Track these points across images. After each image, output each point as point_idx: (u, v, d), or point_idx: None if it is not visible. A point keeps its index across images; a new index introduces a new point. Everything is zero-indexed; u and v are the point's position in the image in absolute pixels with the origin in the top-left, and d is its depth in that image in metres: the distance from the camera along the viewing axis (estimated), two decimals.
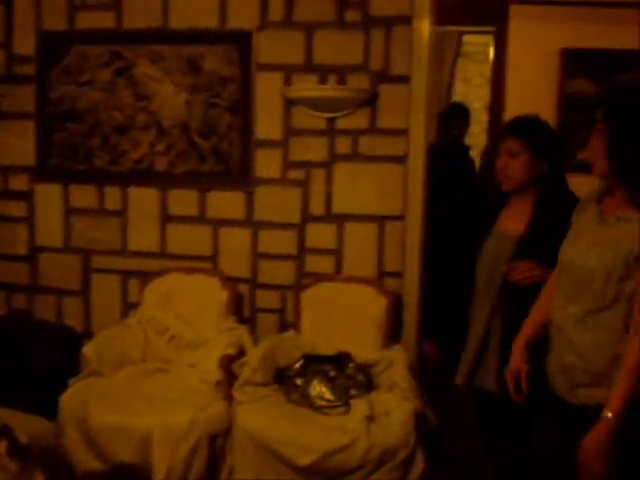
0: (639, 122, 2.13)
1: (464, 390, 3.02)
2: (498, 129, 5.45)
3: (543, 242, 2.72)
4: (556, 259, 2.48)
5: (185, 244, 4.16)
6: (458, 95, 8.18)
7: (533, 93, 5.37)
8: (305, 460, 3.11)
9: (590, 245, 2.24)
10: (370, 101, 3.87)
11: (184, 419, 3.28)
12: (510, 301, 2.81)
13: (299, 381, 3.50)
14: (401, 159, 3.90)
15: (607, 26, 5.16)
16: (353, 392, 3.48)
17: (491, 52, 6.29)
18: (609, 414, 2.08)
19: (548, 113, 4.92)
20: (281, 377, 3.57)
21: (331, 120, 3.93)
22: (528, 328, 2.54)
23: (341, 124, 3.93)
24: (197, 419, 3.29)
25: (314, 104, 3.88)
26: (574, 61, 5.27)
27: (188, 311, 3.94)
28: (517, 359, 2.51)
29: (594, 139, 2.22)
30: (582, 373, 2.24)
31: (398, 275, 3.99)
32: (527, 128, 2.82)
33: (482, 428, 3.12)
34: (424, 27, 3.79)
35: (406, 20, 3.79)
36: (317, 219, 4.03)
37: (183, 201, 4.14)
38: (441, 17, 3.96)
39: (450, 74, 7.46)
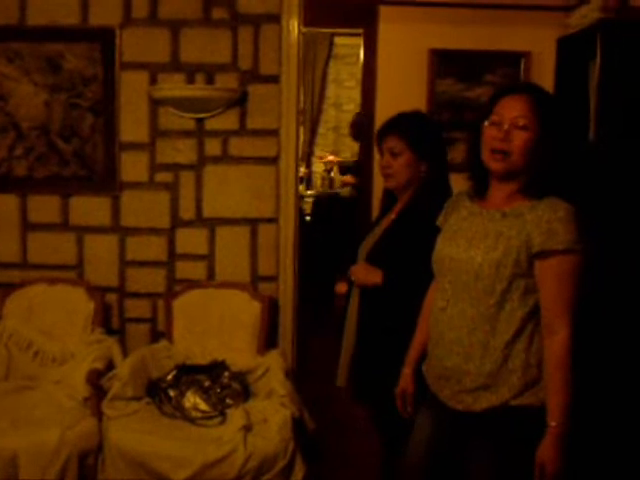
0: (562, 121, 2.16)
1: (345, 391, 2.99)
2: (369, 129, 5.48)
3: (396, 242, 2.73)
4: (406, 263, 2.51)
5: (48, 253, 3.92)
6: (330, 97, 8.24)
7: (403, 93, 5.42)
8: (181, 475, 3.00)
9: (472, 241, 2.18)
10: (240, 101, 3.78)
11: (52, 438, 3.08)
12: (362, 299, 2.83)
13: (172, 393, 3.37)
14: (273, 160, 3.83)
15: (474, 27, 5.27)
16: (229, 401, 3.38)
17: (362, 54, 6.34)
18: (553, 423, 2.04)
19: None
20: (153, 390, 3.42)
21: (200, 121, 3.81)
22: (414, 351, 2.47)
23: (210, 125, 3.82)
24: (66, 437, 3.10)
25: (181, 104, 3.75)
26: (443, 61, 5.36)
27: (53, 324, 3.71)
28: (404, 381, 2.48)
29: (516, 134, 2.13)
30: (468, 376, 2.16)
31: (272, 279, 3.91)
32: (408, 126, 2.78)
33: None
34: (293, 26, 3.74)
35: (275, 19, 3.73)
36: (187, 223, 3.90)
37: (44, 207, 3.91)
38: (312, 18, 3.94)
39: (322, 76, 7.50)
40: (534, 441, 2.08)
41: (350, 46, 8.15)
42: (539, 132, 2.11)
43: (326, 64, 7.74)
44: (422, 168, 2.77)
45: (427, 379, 2.35)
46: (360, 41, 6.45)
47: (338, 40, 7.58)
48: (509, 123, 2.11)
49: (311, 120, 8.18)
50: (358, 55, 8.23)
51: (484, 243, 2.14)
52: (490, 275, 2.11)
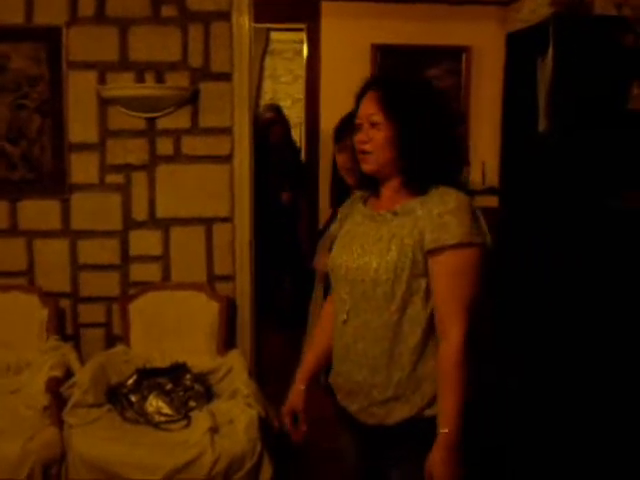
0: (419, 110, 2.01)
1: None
2: (315, 125, 5.49)
3: None
4: None
5: None
6: (267, 93, 8.19)
7: (347, 89, 5.40)
8: None
9: (365, 247, 2.04)
10: (191, 99, 3.73)
11: (13, 450, 3.00)
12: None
13: (134, 398, 3.32)
14: (226, 159, 3.79)
15: (417, 22, 5.32)
16: (192, 404, 3.34)
17: (301, 49, 6.33)
18: (445, 430, 1.90)
19: None
20: (114, 395, 3.36)
21: (151, 120, 3.74)
22: (309, 365, 2.30)
23: (162, 124, 3.76)
24: (28, 449, 3.02)
25: (132, 104, 3.68)
26: (386, 57, 5.40)
27: (5, 333, 3.60)
28: (296, 398, 2.27)
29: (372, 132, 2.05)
30: (376, 388, 2.03)
31: (229, 278, 3.88)
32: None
33: None
34: (244, 23, 3.71)
35: (225, 16, 3.69)
36: (140, 225, 3.83)
37: None
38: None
39: (259, 72, 7.43)
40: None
41: (287, 41, 8.12)
42: (395, 125, 2.00)
43: (262, 59, 7.67)
44: None
45: (337, 395, 2.20)
46: (297, 36, 6.46)
47: (274, 35, 7.52)
48: (366, 122, 2.05)
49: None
50: (295, 50, 8.24)
51: (377, 247, 2.01)
52: (388, 280, 1.97)
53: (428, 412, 1.99)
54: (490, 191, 5.21)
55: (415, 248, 1.95)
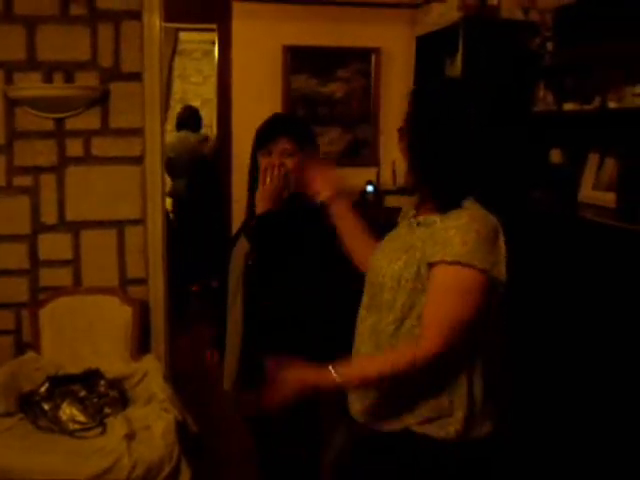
0: (435, 121, 1.95)
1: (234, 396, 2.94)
2: (227, 125, 5.47)
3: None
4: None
5: None
6: (177, 93, 8.13)
7: (259, 89, 5.45)
8: None
9: (387, 251, 2.05)
10: (101, 100, 3.66)
11: None
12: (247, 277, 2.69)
13: (47, 406, 3.22)
14: (137, 160, 3.74)
15: (327, 24, 5.37)
16: (107, 410, 3.27)
17: (210, 49, 6.31)
18: (338, 378, 1.89)
19: (274, 108, 5.03)
20: (26, 404, 3.25)
21: (59, 121, 3.65)
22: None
23: (71, 125, 3.67)
24: None
25: (40, 104, 3.59)
26: (296, 58, 5.42)
27: None
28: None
29: (399, 141, 2.03)
30: (375, 395, 2.01)
31: (142, 281, 3.82)
32: (298, 128, 2.73)
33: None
34: (154, 23, 3.66)
35: (136, 15, 3.63)
36: (50, 228, 3.72)
37: None
38: None
39: (168, 71, 7.38)
40: (434, 474, 1.96)
41: (196, 42, 8.08)
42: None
43: (172, 60, 7.61)
44: None
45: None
46: (206, 36, 6.44)
47: (183, 36, 7.48)
48: None
49: None
50: (204, 50, 8.20)
51: (394, 253, 2.00)
52: (392, 288, 1.95)
53: (417, 429, 1.97)
54: (401, 191, 5.29)
55: (421, 261, 1.92)
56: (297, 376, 1.96)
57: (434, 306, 1.87)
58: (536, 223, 3.61)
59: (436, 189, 1.98)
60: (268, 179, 2.56)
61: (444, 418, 1.94)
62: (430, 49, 3.95)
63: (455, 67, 3.53)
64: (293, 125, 2.77)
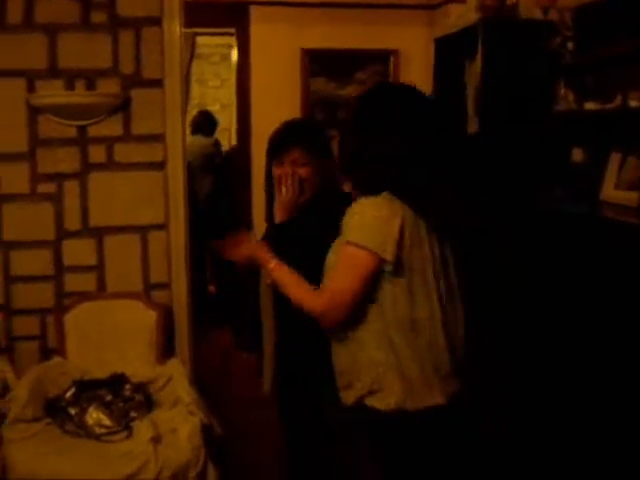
0: (356, 123, 2.27)
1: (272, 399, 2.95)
2: (246, 129, 5.50)
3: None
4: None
5: None
6: (195, 98, 8.15)
7: (277, 93, 5.46)
8: None
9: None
10: (123, 107, 3.68)
11: None
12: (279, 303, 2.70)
13: (73, 411, 3.25)
14: (160, 165, 3.76)
15: (345, 26, 5.37)
16: (133, 414, 3.29)
17: (228, 53, 6.33)
18: (273, 268, 2.37)
19: (293, 112, 5.05)
20: (53, 409, 3.28)
21: (82, 128, 3.68)
22: None
23: (93, 132, 3.70)
24: None
25: (62, 112, 3.61)
26: (315, 61, 5.43)
27: None
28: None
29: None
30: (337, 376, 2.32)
31: (165, 286, 3.84)
32: (310, 137, 2.74)
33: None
34: (175, 29, 3.68)
35: (156, 22, 3.65)
36: (74, 234, 3.75)
37: None
38: None
39: (186, 76, 7.41)
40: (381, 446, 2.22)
41: (213, 45, 8.11)
42: None
43: (189, 64, 7.64)
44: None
45: None
46: (224, 40, 6.47)
47: (200, 40, 7.50)
48: None
49: None
50: (222, 54, 8.23)
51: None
52: (327, 273, 2.31)
53: (366, 401, 2.20)
54: None
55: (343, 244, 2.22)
56: (253, 245, 2.49)
57: (332, 275, 2.23)
58: (558, 222, 3.60)
59: (354, 181, 2.32)
60: (284, 189, 2.63)
61: (384, 391, 2.17)
62: (449, 50, 3.95)
63: (475, 68, 3.53)
64: (305, 134, 2.75)
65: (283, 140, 2.70)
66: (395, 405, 2.15)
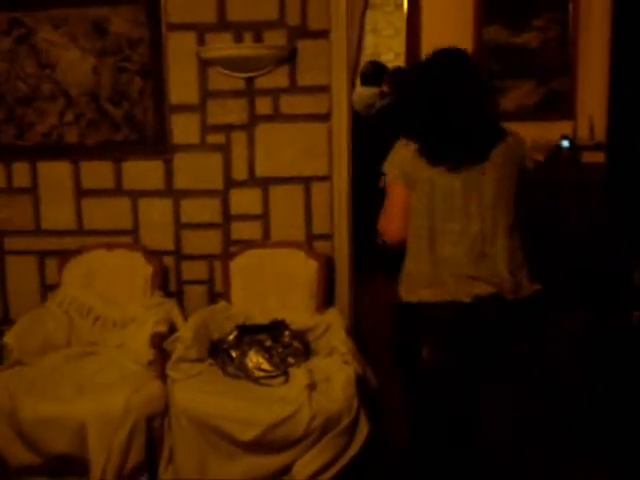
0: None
1: None
2: None
3: None
4: None
5: (103, 219, 3.95)
6: (368, 48, 8.11)
7: (449, 41, 5.30)
8: (248, 435, 3.01)
9: None
10: (289, 58, 3.72)
11: (118, 403, 3.13)
12: None
13: (234, 353, 3.38)
14: (324, 117, 3.78)
15: None
16: (291, 360, 3.38)
17: (402, 1, 6.23)
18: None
19: None
20: (215, 351, 3.43)
21: (249, 80, 3.76)
22: None
23: (260, 83, 3.77)
24: (132, 402, 3.15)
25: (231, 64, 3.71)
26: (488, 8, 5.24)
27: (112, 289, 3.75)
28: None
29: None
30: None
31: (327, 237, 3.89)
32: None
33: None
34: None
35: None
36: (240, 184, 3.87)
37: (97, 173, 3.92)
38: None
39: (360, 26, 7.36)
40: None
41: None
42: None
43: (363, 14, 7.58)
44: None
45: None
46: None
47: None
48: None
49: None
50: (395, 3, 8.11)
51: None
52: None
53: None
54: (597, 147, 5.03)
55: None
56: None
57: None
58: None
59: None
60: None
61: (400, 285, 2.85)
62: None
63: None
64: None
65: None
66: (400, 298, 2.84)
